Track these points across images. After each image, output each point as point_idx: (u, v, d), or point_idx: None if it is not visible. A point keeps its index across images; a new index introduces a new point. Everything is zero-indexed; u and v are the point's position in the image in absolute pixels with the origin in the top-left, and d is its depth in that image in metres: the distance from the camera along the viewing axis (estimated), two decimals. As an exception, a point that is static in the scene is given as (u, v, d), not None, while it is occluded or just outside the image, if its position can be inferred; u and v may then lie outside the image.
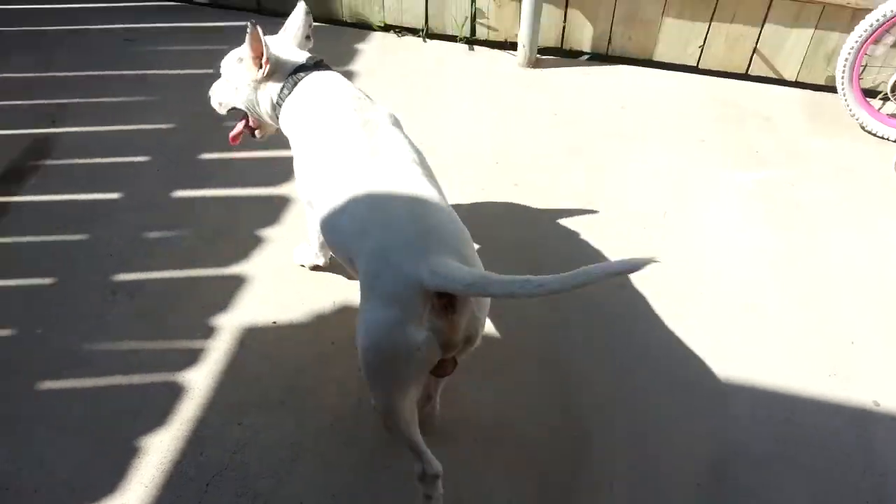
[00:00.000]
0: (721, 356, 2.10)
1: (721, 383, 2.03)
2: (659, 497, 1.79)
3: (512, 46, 3.38)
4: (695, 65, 3.33)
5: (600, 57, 3.38)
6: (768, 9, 3.10)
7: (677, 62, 3.34)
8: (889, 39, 2.94)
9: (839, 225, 2.56)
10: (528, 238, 2.43)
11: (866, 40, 2.85)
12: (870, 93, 3.08)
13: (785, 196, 2.68)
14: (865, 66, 3.00)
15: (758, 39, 3.20)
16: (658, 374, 2.05)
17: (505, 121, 2.97)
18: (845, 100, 2.99)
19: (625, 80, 3.25)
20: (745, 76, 3.30)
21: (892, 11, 2.75)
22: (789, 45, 3.18)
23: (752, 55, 3.25)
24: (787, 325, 2.21)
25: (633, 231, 2.49)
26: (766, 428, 1.94)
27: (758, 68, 3.28)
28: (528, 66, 3.28)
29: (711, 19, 3.18)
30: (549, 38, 3.37)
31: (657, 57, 3.34)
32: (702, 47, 3.27)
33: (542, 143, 2.87)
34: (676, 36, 3.26)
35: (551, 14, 3.29)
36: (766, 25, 3.15)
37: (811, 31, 3.12)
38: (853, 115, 3.01)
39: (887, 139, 2.97)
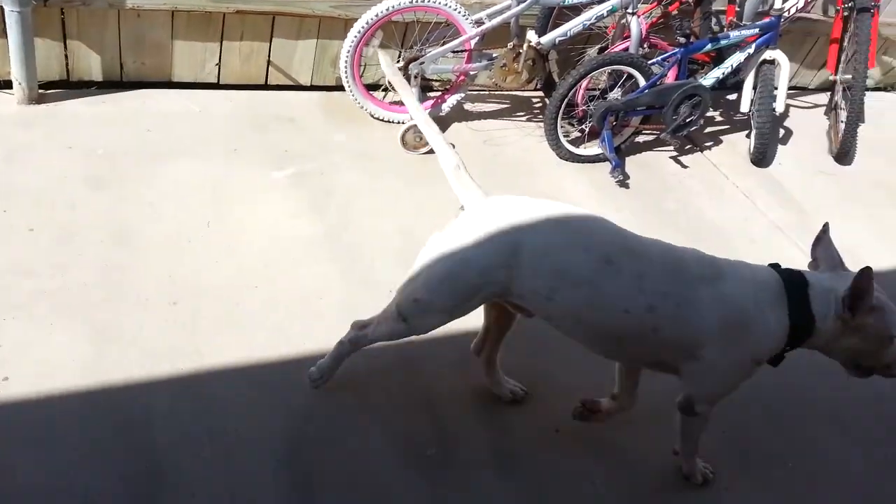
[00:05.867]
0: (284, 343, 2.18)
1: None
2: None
3: (7, 85, 3.02)
4: (216, 81, 3.39)
5: (116, 84, 3.22)
6: (272, 26, 3.30)
7: (198, 80, 3.36)
8: (375, 42, 3.37)
9: (365, 201, 2.86)
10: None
11: (357, 44, 3.21)
12: (374, 87, 3.49)
13: (317, 185, 2.89)
14: (365, 65, 3.38)
15: (269, 52, 3.38)
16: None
17: (11, 163, 2.66)
18: (353, 96, 3.34)
19: (147, 104, 3.15)
20: (265, 86, 3.47)
21: (374, 17, 3.13)
22: (299, 55, 3.44)
23: (268, 67, 3.43)
24: (345, 304, 2.34)
25: (179, 245, 2.45)
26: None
27: (275, 78, 3.48)
28: (31, 103, 2.98)
29: (222, 39, 3.27)
30: (53, 71, 3.10)
31: (176, 78, 3.32)
32: (218, 65, 3.34)
33: (58, 179, 2.64)
34: (190, 57, 3.27)
35: (49, 47, 3.02)
36: (275, 40, 3.35)
37: (314, 41, 3.41)
38: (362, 108, 3.38)
39: (392, 122, 3.41)
